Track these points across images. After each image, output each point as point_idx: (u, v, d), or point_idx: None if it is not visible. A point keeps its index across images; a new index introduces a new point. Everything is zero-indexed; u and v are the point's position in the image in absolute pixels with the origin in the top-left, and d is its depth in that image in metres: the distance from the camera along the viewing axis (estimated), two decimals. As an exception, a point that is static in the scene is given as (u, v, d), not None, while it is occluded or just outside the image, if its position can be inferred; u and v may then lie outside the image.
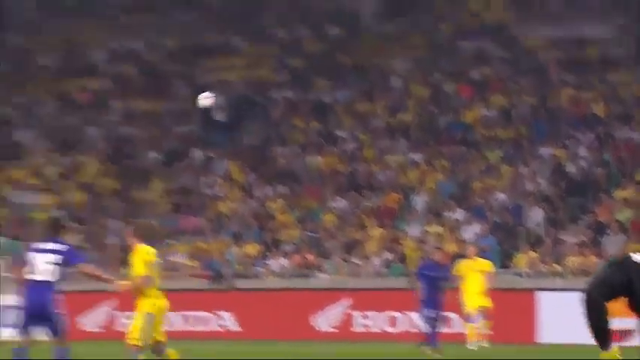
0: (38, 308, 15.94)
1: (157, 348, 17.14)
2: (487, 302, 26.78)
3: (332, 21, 43.22)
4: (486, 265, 26.98)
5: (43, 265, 16.03)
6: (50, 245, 16.21)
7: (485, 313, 26.88)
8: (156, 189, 38.05)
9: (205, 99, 21.95)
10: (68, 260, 16.19)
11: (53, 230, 16.55)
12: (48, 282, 15.94)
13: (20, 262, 17.05)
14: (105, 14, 44.95)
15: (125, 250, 17.05)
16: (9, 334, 26.99)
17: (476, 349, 25.86)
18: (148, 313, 16.87)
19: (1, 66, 44.55)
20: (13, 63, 44.93)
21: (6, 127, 42.06)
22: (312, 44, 42.60)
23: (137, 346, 17.00)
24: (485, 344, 26.26)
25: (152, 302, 16.77)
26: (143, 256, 16.79)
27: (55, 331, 15.85)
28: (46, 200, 36.80)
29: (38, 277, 16.04)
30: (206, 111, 37.85)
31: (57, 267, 16.05)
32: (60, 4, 46.93)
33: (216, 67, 42.58)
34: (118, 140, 40.63)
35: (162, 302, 17.03)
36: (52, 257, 16.09)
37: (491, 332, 26.59)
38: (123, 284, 16.88)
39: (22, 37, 46.16)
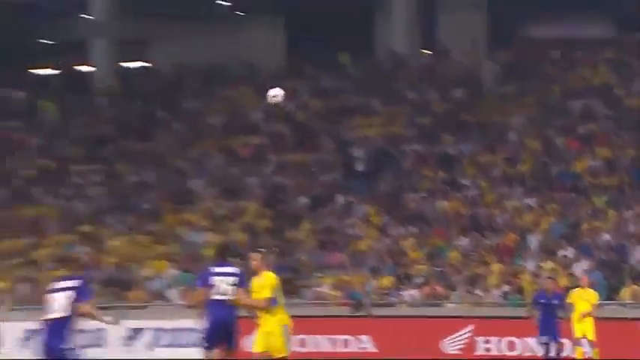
0: (222, 324, 15.96)
1: None
2: (592, 331, 25.80)
3: (457, 84, 43.36)
4: (594, 296, 26.15)
5: (224, 286, 16.22)
6: (228, 269, 16.46)
7: (591, 342, 25.95)
8: (305, 229, 38.12)
9: (274, 96, 19.12)
10: (242, 282, 16.43)
11: (222, 255, 16.89)
12: (228, 300, 16.05)
13: (191, 291, 17.34)
14: (262, 81, 45.35)
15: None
16: (186, 353, 28.04)
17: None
18: (283, 325, 16.59)
19: (177, 126, 45.44)
20: (188, 123, 45.79)
21: (181, 177, 42.85)
22: (439, 104, 42.73)
23: (286, 358, 16.57)
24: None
25: (280, 318, 16.46)
26: (269, 280, 16.43)
27: (231, 345, 15.91)
28: (214, 238, 36.97)
29: (221, 297, 16.14)
30: (348, 162, 38.29)
31: (235, 287, 16.24)
32: (225, 74, 47.86)
33: (357, 124, 42.75)
34: (273, 188, 40.98)
35: (289, 319, 16.77)
36: (231, 279, 16.28)
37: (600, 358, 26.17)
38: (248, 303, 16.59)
39: (194, 102, 47.11)
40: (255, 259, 16.65)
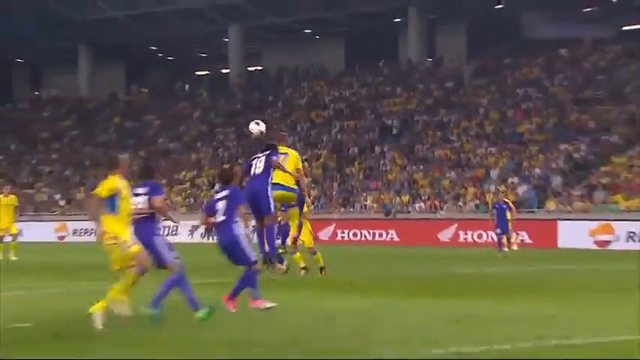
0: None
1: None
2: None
3: (448, 79, 42.05)
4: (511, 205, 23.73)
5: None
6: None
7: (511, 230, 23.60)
8: (356, 166, 37.28)
9: (252, 129, 12.74)
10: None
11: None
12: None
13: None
14: (330, 78, 44.61)
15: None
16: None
17: None
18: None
19: (279, 104, 44.45)
20: (286, 103, 44.55)
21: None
22: (437, 91, 41.28)
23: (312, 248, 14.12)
24: None
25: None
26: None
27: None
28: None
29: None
30: (382, 127, 36.85)
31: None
32: (307, 73, 47.07)
33: (387, 104, 41.48)
34: (336, 142, 39.96)
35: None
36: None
37: None
38: None
39: (290, 90, 45.87)
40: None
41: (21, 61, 55.53)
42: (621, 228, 27.59)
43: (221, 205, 8.85)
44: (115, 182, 8.27)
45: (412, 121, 40.08)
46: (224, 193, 8.93)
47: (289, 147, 13.23)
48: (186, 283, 8.43)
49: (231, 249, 8.75)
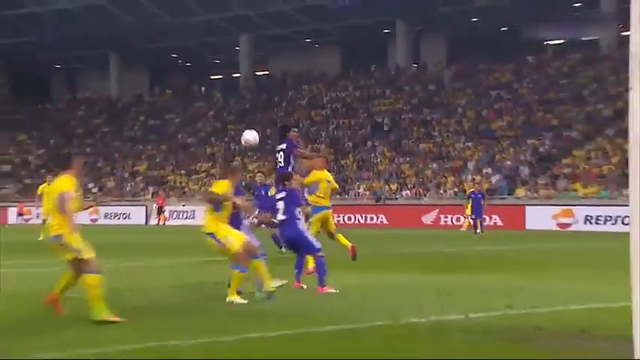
0: None
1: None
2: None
3: (430, 83, 41.79)
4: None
5: None
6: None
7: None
8: (350, 158, 37.34)
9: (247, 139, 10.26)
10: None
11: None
12: None
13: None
14: (327, 81, 44.59)
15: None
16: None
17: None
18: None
19: (283, 104, 44.36)
20: (289, 104, 44.34)
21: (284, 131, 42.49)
22: (421, 93, 41.09)
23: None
24: None
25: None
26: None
27: None
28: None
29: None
30: (373, 123, 36.70)
31: None
32: (307, 77, 46.70)
33: (378, 103, 41.35)
34: (333, 137, 39.82)
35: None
36: None
37: None
38: None
39: (292, 92, 45.59)
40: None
41: (59, 67, 55.82)
42: (580, 212, 27.76)
43: (281, 205, 8.83)
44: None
45: (399, 119, 40.00)
46: (282, 194, 8.88)
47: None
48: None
49: (297, 242, 8.84)
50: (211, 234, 7.92)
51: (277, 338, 5.99)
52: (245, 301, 7.88)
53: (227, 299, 7.87)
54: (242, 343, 5.79)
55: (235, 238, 7.92)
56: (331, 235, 11.13)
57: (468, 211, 24.51)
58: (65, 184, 7.10)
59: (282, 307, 7.58)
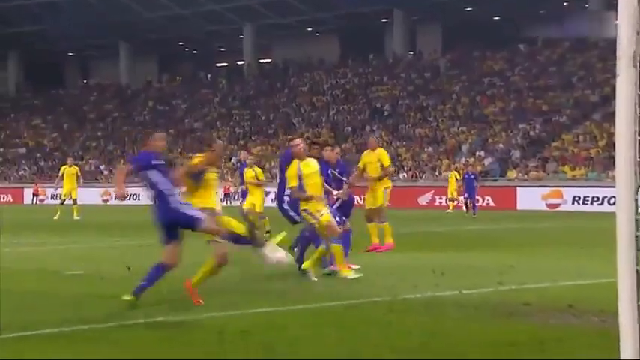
0: None
1: None
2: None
3: (426, 70, 41.67)
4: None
5: None
6: None
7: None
8: (350, 143, 37.00)
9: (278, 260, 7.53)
10: None
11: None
12: None
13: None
14: (327, 68, 44.46)
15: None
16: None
17: None
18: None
19: (286, 90, 44.09)
20: (291, 90, 44.19)
21: (285, 115, 41.37)
22: (418, 79, 40.92)
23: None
24: None
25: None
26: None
27: None
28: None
29: None
30: (372, 109, 36.79)
31: None
32: (308, 65, 46.48)
33: (376, 89, 41.30)
34: (333, 122, 39.75)
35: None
36: None
37: None
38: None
39: (294, 79, 45.41)
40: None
41: (72, 54, 55.83)
42: (568, 193, 27.79)
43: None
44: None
45: (397, 104, 39.93)
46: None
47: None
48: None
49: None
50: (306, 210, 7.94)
51: (288, 312, 6.16)
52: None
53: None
54: (254, 317, 5.93)
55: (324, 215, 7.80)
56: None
57: (450, 194, 24.54)
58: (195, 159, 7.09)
59: (287, 286, 7.64)
